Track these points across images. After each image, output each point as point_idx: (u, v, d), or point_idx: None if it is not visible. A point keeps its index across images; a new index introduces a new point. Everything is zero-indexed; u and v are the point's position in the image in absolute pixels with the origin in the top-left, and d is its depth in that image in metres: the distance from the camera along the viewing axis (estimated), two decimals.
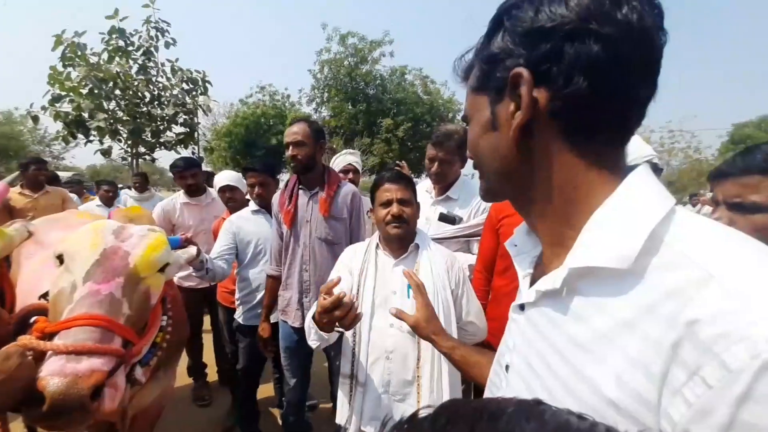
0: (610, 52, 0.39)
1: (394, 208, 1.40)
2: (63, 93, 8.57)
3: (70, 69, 8.56)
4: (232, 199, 2.60)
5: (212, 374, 3.05)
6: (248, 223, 2.27)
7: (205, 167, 7.87)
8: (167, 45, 9.69)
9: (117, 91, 9.11)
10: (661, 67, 0.42)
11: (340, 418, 1.38)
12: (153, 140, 9.81)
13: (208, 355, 3.00)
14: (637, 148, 1.28)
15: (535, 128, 0.44)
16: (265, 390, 2.81)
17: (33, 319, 1.07)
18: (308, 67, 16.14)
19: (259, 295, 2.21)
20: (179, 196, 2.88)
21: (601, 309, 0.40)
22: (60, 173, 6.75)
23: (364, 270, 1.42)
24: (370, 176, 12.92)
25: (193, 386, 2.93)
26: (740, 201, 0.96)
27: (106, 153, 9.64)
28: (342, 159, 2.89)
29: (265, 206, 2.29)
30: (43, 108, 8.53)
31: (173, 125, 10.10)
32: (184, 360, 2.29)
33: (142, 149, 9.85)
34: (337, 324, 1.11)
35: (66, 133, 8.94)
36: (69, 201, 3.94)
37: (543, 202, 0.47)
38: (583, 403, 0.39)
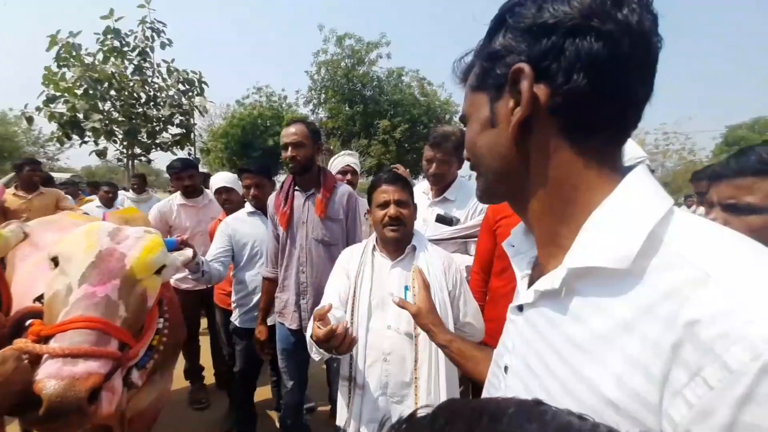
0: (610, 50, 0.40)
1: (392, 210, 1.39)
2: (58, 94, 8.53)
3: (64, 69, 8.52)
4: (229, 201, 2.59)
5: (209, 377, 3.03)
6: (244, 225, 2.26)
7: (202, 168, 7.83)
8: (163, 45, 9.67)
9: (112, 92, 9.08)
10: (657, 70, 0.43)
11: (340, 420, 1.38)
12: (149, 141, 9.78)
13: (205, 358, 2.98)
14: (631, 150, 1.28)
15: (535, 125, 0.44)
16: (263, 393, 2.80)
17: (28, 322, 1.06)
18: (305, 69, 16.18)
19: (256, 298, 2.20)
20: (176, 198, 2.87)
21: (600, 309, 0.40)
22: (55, 174, 6.72)
23: (361, 272, 1.42)
24: (367, 178, 12.92)
25: (190, 389, 2.91)
26: (734, 202, 0.97)
27: (102, 154, 9.60)
28: (340, 160, 2.89)
29: (260, 208, 2.27)
30: (38, 109, 8.49)
31: (169, 126, 10.08)
32: (180, 363, 2.27)
33: (137, 150, 9.81)
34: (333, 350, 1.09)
35: (61, 134, 8.89)
36: (64, 201, 3.90)
37: (541, 202, 0.47)
38: (581, 404, 0.39)
